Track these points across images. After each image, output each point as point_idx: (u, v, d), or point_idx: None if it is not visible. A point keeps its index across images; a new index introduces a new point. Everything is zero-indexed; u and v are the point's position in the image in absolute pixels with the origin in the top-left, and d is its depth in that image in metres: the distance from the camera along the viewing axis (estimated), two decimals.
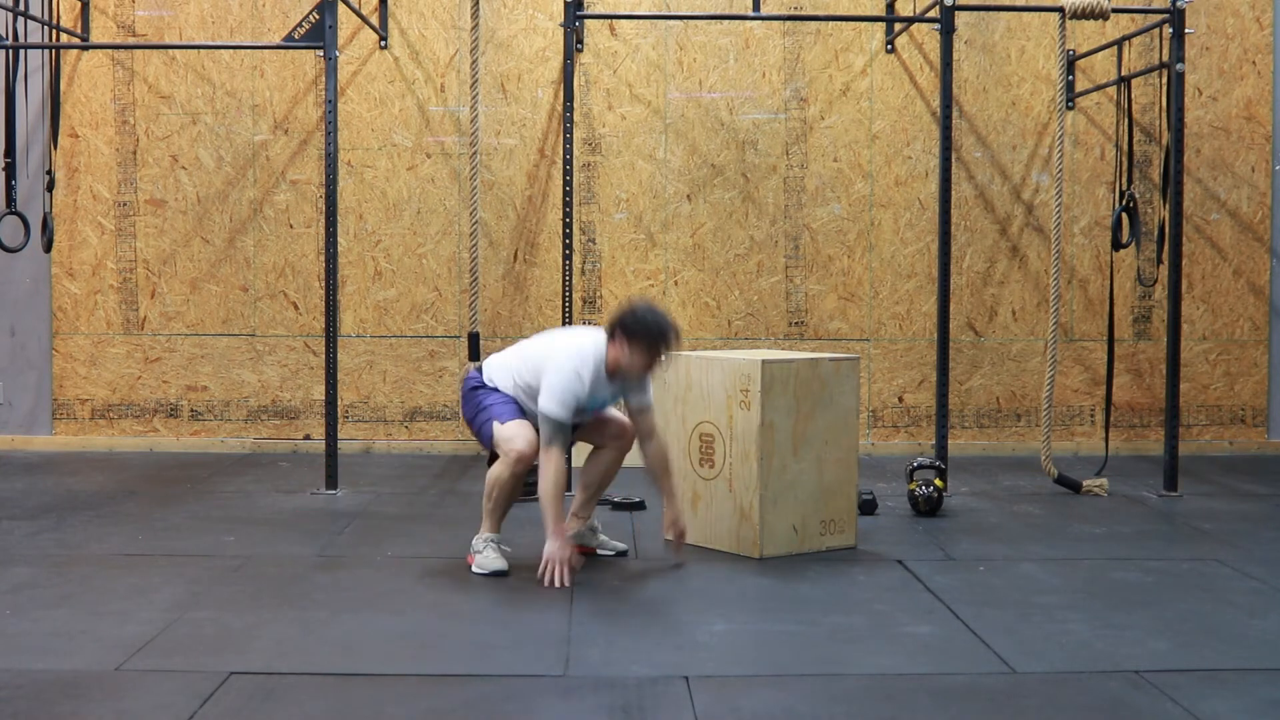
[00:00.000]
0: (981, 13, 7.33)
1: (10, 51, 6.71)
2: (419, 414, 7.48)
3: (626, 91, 7.43)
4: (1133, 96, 7.27)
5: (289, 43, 6.13)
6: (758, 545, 4.81)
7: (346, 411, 7.41)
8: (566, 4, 6.37)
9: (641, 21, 7.37)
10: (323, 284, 7.19)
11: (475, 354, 6.61)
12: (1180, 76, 6.22)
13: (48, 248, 6.93)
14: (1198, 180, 7.52)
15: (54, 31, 7.12)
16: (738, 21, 7.38)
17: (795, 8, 7.42)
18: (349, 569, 4.66)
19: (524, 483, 5.61)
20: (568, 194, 6.37)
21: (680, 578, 4.60)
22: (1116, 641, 3.82)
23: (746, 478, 4.84)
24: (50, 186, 6.91)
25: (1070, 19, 6.17)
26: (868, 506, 5.60)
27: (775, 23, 7.38)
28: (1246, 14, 7.52)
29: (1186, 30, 6.25)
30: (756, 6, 6.71)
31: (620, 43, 7.43)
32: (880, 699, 3.33)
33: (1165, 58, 6.36)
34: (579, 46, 7.26)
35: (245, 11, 7.40)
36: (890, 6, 7.41)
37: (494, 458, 4.61)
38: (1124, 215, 6.70)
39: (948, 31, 6.22)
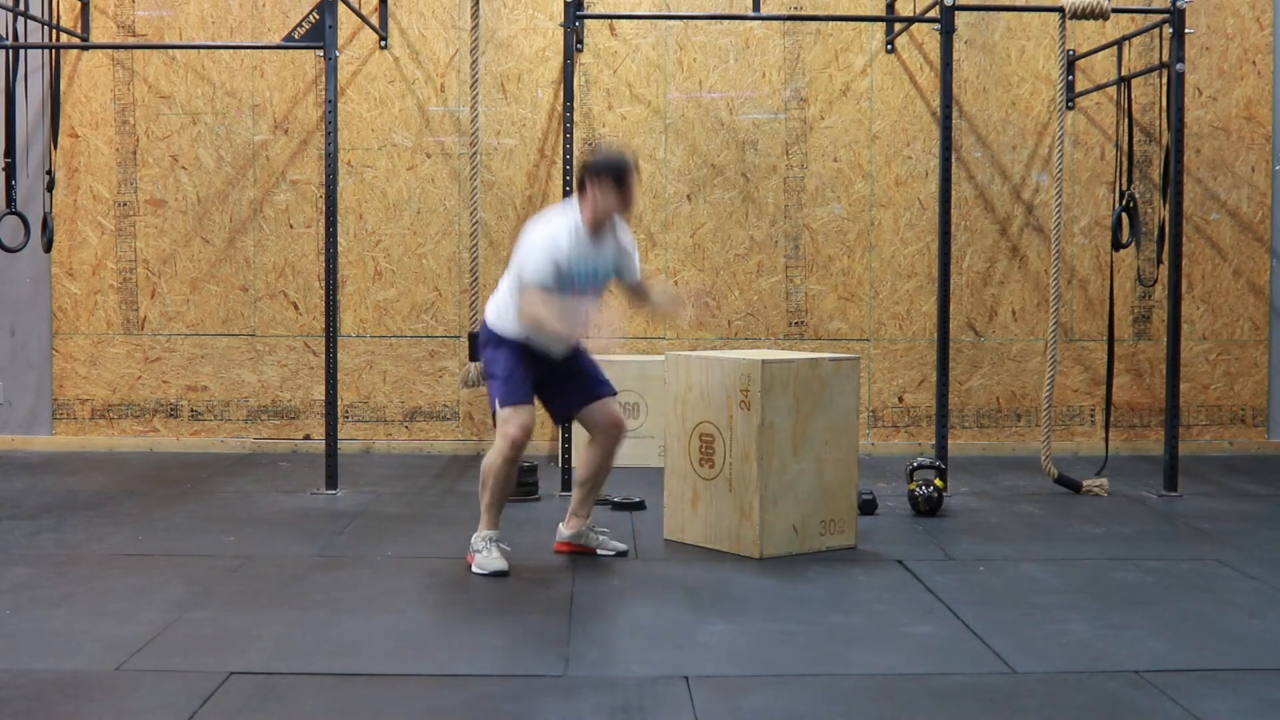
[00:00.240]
0: (981, 13, 7.33)
1: (10, 51, 6.71)
2: (419, 414, 7.48)
3: (626, 91, 7.43)
4: (1133, 96, 7.27)
5: (289, 43, 6.13)
6: (758, 545, 4.81)
7: (346, 411, 7.41)
8: (566, 4, 6.37)
9: (641, 21, 7.37)
10: (323, 284, 7.18)
11: (475, 354, 6.60)
12: (1180, 76, 6.22)
13: (48, 248, 6.93)
14: (1198, 180, 7.52)
15: (54, 31, 7.12)
16: (738, 21, 7.37)
17: (795, 8, 7.42)
18: (349, 569, 4.66)
19: (521, 483, 5.63)
20: (568, 194, 6.36)
21: (680, 578, 4.60)
22: (1116, 641, 3.82)
23: (746, 478, 4.84)
24: (50, 186, 6.91)
25: (1070, 19, 6.17)
26: (868, 506, 5.60)
27: (775, 23, 7.38)
28: (1246, 14, 7.52)
29: (1186, 30, 6.25)
30: (756, 6, 6.71)
31: (620, 43, 7.43)
32: (880, 699, 3.33)
33: (1165, 58, 6.36)
34: (579, 46, 7.26)
35: (245, 11, 7.40)
36: (890, 6, 7.41)
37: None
38: (1124, 215, 6.70)
39: (948, 31, 6.22)
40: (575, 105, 6.72)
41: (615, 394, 4.83)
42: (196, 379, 7.48)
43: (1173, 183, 6.26)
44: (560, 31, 7.13)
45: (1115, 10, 6.53)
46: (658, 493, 5.48)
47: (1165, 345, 6.61)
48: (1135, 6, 7.24)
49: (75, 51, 7.39)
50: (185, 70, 7.42)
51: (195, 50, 7.37)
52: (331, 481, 6.16)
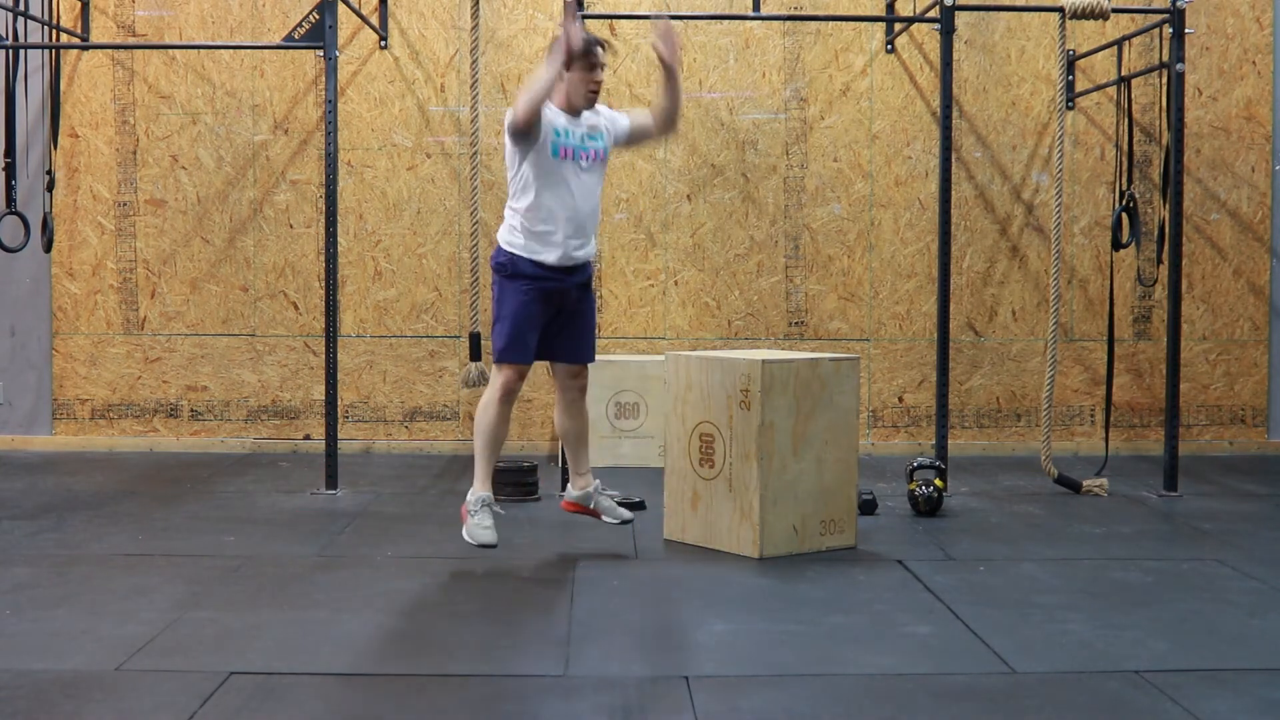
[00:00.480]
0: (981, 13, 7.33)
1: (10, 51, 6.71)
2: (419, 414, 7.48)
3: (626, 91, 7.43)
4: (1133, 96, 7.27)
5: (289, 43, 6.13)
6: (758, 545, 4.81)
7: (346, 411, 7.41)
8: (566, 4, 6.36)
9: (641, 21, 7.36)
10: (323, 284, 7.18)
11: (476, 354, 6.61)
12: (1180, 76, 6.22)
13: (48, 248, 6.93)
14: (1198, 180, 7.52)
15: (54, 31, 7.12)
16: (738, 21, 7.37)
17: (795, 8, 7.42)
18: (349, 569, 4.66)
19: (521, 483, 5.65)
20: None
21: (680, 578, 4.60)
22: (1116, 641, 3.82)
23: (746, 478, 4.84)
24: (50, 186, 6.91)
25: (1070, 19, 6.17)
26: (868, 506, 5.60)
27: (775, 23, 7.38)
28: (1246, 14, 7.52)
29: (1186, 30, 6.25)
30: (756, 6, 6.71)
31: (620, 43, 7.42)
32: (880, 699, 3.33)
33: (1165, 58, 6.36)
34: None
35: (245, 11, 7.40)
36: (890, 6, 7.41)
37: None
38: (1124, 215, 6.70)
39: (948, 31, 6.22)
40: None
41: (592, 360, 4.93)
42: (196, 379, 7.48)
43: (1173, 183, 6.26)
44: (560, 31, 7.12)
45: (1115, 10, 6.53)
46: (658, 493, 5.48)
47: (1165, 345, 6.61)
48: (1135, 6, 7.24)
49: (75, 51, 7.39)
50: (185, 70, 7.42)
51: (195, 50, 7.37)
52: (331, 481, 6.16)
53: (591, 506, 4.93)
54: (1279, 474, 6.98)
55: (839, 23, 7.37)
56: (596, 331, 4.95)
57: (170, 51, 7.39)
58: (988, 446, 7.53)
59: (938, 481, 5.73)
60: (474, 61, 6.58)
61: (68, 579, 4.47)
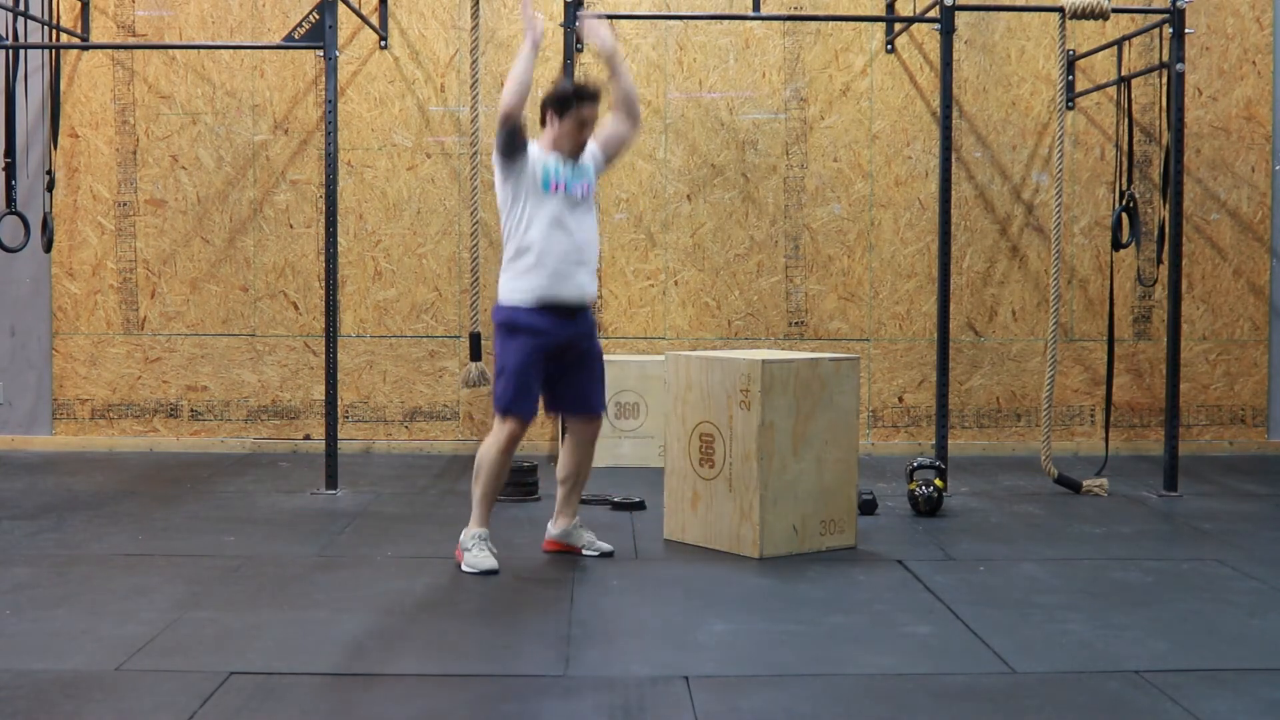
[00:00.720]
0: (981, 13, 7.33)
1: (10, 51, 6.71)
2: (419, 414, 7.48)
3: None
4: (1133, 96, 7.27)
5: (289, 43, 6.13)
6: (758, 545, 4.81)
7: (346, 411, 7.41)
8: (566, 4, 6.37)
9: (641, 21, 7.37)
10: (323, 284, 7.18)
11: (476, 354, 6.61)
12: (1180, 76, 6.22)
13: (48, 248, 6.93)
14: (1198, 180, 7.52)
15: (54, 31, 7.12)
16: (738, 21, 7.37)
17: (795, 8, 7.42)
18: (349, 569, 4.66)
19: (521, 483, 5.63)
20: None
21: (680, 578, 4.60)
22: (1116, 641, 3.82)
23: (746, 478, 4.84)
24: (50, 186, 6.91)
25: (1070, 19, 6.17)
26: (868, 506, 5.60)
27: (775, 23, 7.38)
28: (1246, 14, 7.52)
29: (1186, 30, 6.25)
30: (756, 6, 6.71)
31: (620, 43, 7.42)
32: (880, 699, 3.33)
33: (1165, 58, 6.36)
34: (579, 46, 7.26)
35: (245, 11, 7.40)
36: (890, 6, 7.41)
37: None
38: (1124, 215, 6.70)
39: (948, 31, 6.22)
40: None
41: (604, 410, 4.87)
42: (196, 379, 7.48)
43: (1173, 183, 6.26)
44: (560, 31, 7.13)
45: (1115, 10, 6.53)
46: (658, 493, 5.48)
47: (1165, 345, 6.61)
48: (1135, 6, 7.24)
49: (75, 51, 7.39)
50: (185, 70, 7.42)
51: (195, 50, 7.37)
52: (331, 481, 6.16)
53: (570, 542, 4.90)
54: (1279, 474, 6.98)
55: (839, 23, 7.37)
56: (605, 379, 4.90)
57: (170, 51, 7.39)
58: (988, 446, 7.53)
59: (938, 481, 5.73)
60: (474, 61, 6.58)
61: (68, 579, 4.47)
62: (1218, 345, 7.59)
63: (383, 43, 7.39)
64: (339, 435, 6.24)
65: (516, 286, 4.64)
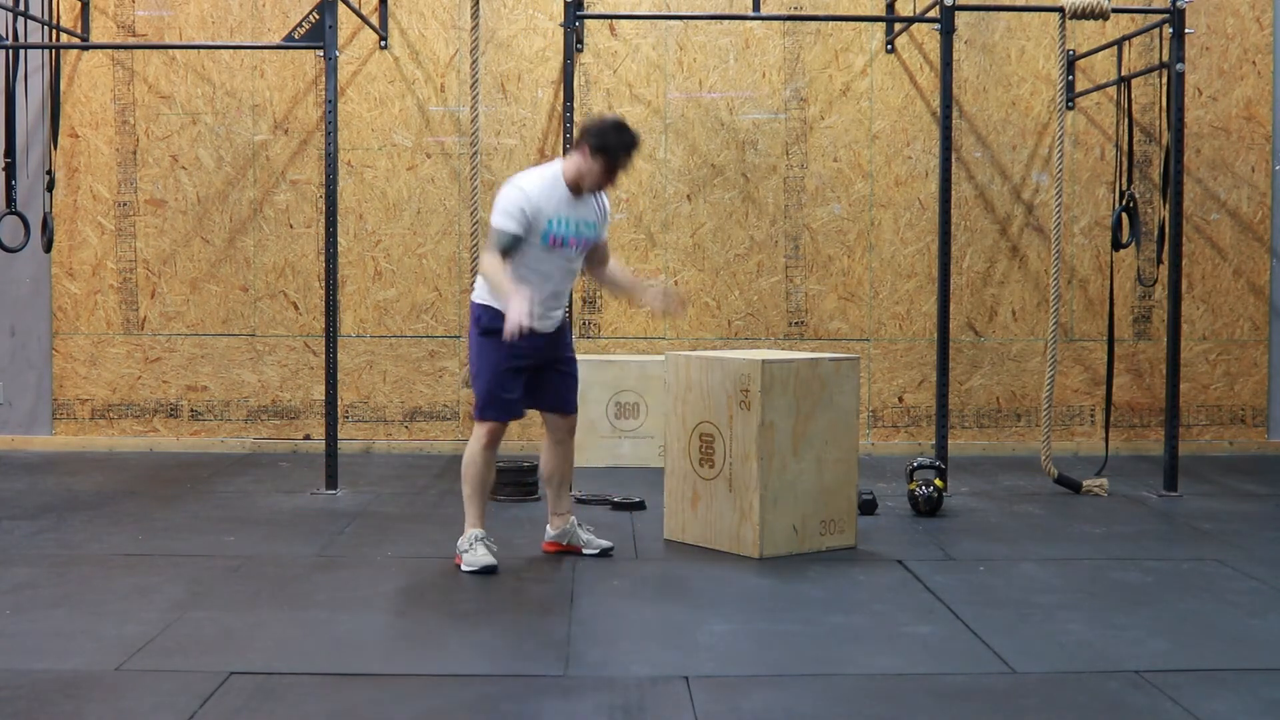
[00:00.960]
0: (981, 13, 7.33)
1: (10, 51, 6.71)
2: (419, 414, 7.48)
3: (626, 91, 7.43)
4: (1133, 96, 7.27)
5: (289, 43, 6.13)
6: (758, 545, 4.81)
7: (346, 411, 7.41)
8: (566, 4, 6.37)
9: (641, 21, 7.37)
10: (323, 284, 7.18)
11: None
12: (1180, 76, 6.22)
13: (48, 248, 6.93)
14: (1198, 180, 7.52)
15: (54, 31, 7.12)
16: (738, 21, 7.37)
17: (795, 8, 7.42)
18: (349, 569, 4.66)
19: (521, 483, 5.63)
20: None
21: (680, 578, 4.60)
22: (1116, 641, 3.82)
23: (746, 478, 4.84)
24: (50, 186, 6.91)
25: (1070, 19, 6.17)
26: (868, 506, 5.60)
27: (775, 23, 7.38)
28: (1246, 14, 7.52)
29: (1186, 30, 6.25)
30: (756, 6, 6.71)
31: (620, 43, 7.43)
32: (880, 699, 3.33)
33: (1165, 58, 6.36)
34: (579, 46, 7.26)
35: (245, 11, 7.40)
36: (890, 6, 7.41)
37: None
38: (1124, 215, 6.70)
39: (948, 31, 6.22)
40: (575, 105, 6.72)
41: (574, 411, 4.86)
42: (196, 379, 7.48)
43: (1173, 183, 6.26)
44: (560, 31, 7.13)
45: (1115, 10, 6.53)
46: (658, 493, 5.48)
47: (1165, 345, 6.61)
48: (1135, 6, 7.24)
49: (75, 51, 7.39)
50: (185, 70, 7.42)
51: (195, 50, 7.37)
52: (331, 481, 6.16)
53: (570, 543, 4.90)
54: (1279, 474, 6.98)
55: (839, 23, 7.37)
56: (579, 379, 4.90)
57: (170, 51, 7.39)
58: (988, 446, 7.53)
59: (938, 481, 5.73)
60: (474, 61, 6.58)
61: (68, 579, 4.47)
62: (1218, 345, 7.59)
63: (383, 43, 7.39)
64: (339, 435, 6.24)
65: (494, 300, 4.63)
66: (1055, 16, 6.60)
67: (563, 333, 4.80)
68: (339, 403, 6.35)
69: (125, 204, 7.45)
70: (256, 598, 4.26)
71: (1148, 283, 7.32)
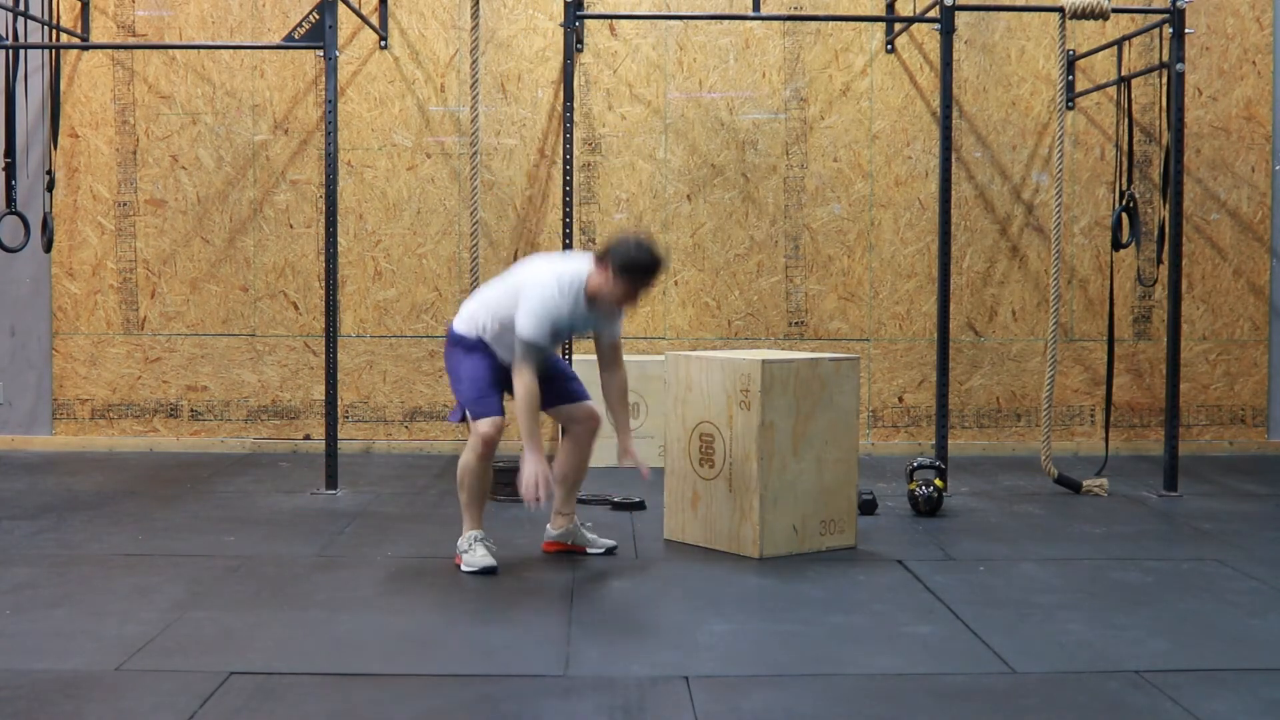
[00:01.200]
0: (981, 13, 7.33)
1: (10, 51, 6.71)
2: (419, 414, 7.48)
3: (626, 91, 7.43)
4: (1133, 96, 7.27)
5: (289, 43, 6.13)
6: (758, 545, 4.81)
7: (346, 411, 7.41)
8: (566, 4, 6.37)
9: (641, 21, 7.37)
10: (323, 284, 7.18)
11: None
12: (1180, 76, 6.22)
13: (48, 248, 6.93)
14: (1198, 180, 7.52)
15: (54, 31, 7.12)
16: (738, 21, 7.38)
17: (795, 8, 7.42)
18: (349, 569, 4.66)
19: (507, 484, 5.61)
20: (568, 194, 6.37)
21: (680, 578, 4.60)
22: (1116, 641, 3.82)
23: (746, 478, 4.84)
24: (50, 186, 6.91)
25: (1070, 19, 6.17)
26: (868, 506, 5.60)
27: (775, 23, 7.38)
28: (1246, 14, 7.52)
29: (1186, 30, 6.25)
30: (756, 6, 6.71)
31: (620, 43, 7.43)
32: (880, 699, 3.33)
33: (1165, 58, 6.36)
34: (579, 46, 7.26)
35: (245, 11, 7.40)
36: (890, 6, 7.41)
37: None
38: (1124, 215, 6.70)
39: (948, 31, 6.22)
40: (575, 105, 6.73)
41: (589, 399, 4.82)
42: (196, 379, 7.48)
43: (1173, 183, 6.26)
44: (560, 31, 7.13)
45: (1115, 10, 6.53)
46: (658, 493, 5.48)
47: (1165, 345, 6.61)
48: (1135, 6, 7.24)
49: (75, 51, 7.39)
50: (185, 70, 7.42)
51: (195, 50, 7.37)
52: (331, 481, 6.16)
53: (574, 543, 4.90)
54: (1279, 474, 6.98)
55: (839, 23, 7.37)
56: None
57: (170, 51, 7.39)
58: (988, 446, 7.53)
59: (938, 481, 5.73)
60: (474, 61, 6.58)
61: (68, 579, 4.47)
62: (1218, 345, 7.59)
63: (383, 43, 7.39)
64: (339, 435, 6.24)
65: (483, 335, 4.64)
66: (1055, 16, 6.60)
67: (554, 360, 4.81)
68: (339, 403, 6.36)
69: (125, 204, 7.45)
70: (256, 598, 4.26)
71: (1148, 283, 7.32)
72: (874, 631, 3.93)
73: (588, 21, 7.23)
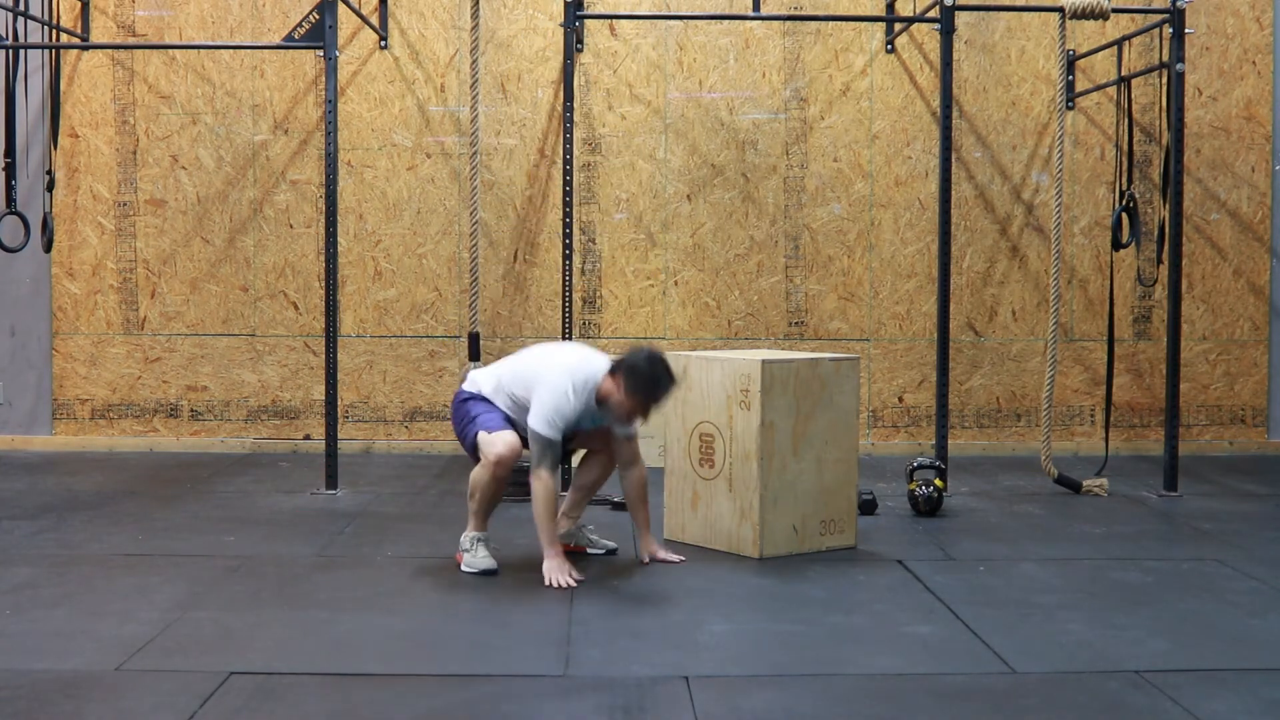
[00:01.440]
0: (981, 13, 7.33)
1: (10, 51, 6.71)
2: (419, 414, 7.48)
3: (626, 91, 7.43)
4: (1133, 96, 7.27)
5: (289, 43, 6.13)
6: (758, 545, 4.81)
7: (346, 411, 7.41)
8: (566, 4, 6.37)
9: (641, 21, 7.37)
10: (323, 284, 7.19)
11: (475, 354, 6.61)
12: (1180, 76, 6.22)
13: (48, 248, 6.93)
14: (1198, 180, 7.52)
15: (54, 31, 7.12)
16: (738, 21, 7.38)
17: (795, 8, 7.42)
18: (349, 569, 4.66)
19: (511, 484, 5.60)
20: (568, 194, 6.37)
21: (680, 578, 4.60)
22: (1116, 641, 3.82)
23: (746, 478, 4.84)
24: (50, 186, 6.91)
25: (1070, 19, 6.17)
26: (868, 506, 5.60)
27: (775, 23, 7.38)
28: (1246, 14, 7.52)
29: (1186, 30, 6.25)
30: (756, 6, 6.71)
31: (620, 43, 7.43)
32: (880, 699, 3.33)
33: (1165, 58, 6.36)
34: (579, 46, 7.26)
35: (245, 11, 7.40)
36: (890, 6, 7.41)
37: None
38: (1124, 215, 6.70)
39: (948, 31, 6.22)
40: (575, 105, 6.73)
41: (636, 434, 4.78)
42: (196, 379, 7.48)
43: (1173, 183, 6.26)
44: (560, 31, 7.13)
45: (1115, 10, 6.53)
46: (658, 493, 5.47)
47: (1165, 345, 6.61)
48: (1135, 6, 7.24)
49: (75, 51, 7.39)
50: (185, 70, 7.42)
51: (195, 50, 7.38)
52: (331, 481, 6.16)
53: (575, 544, 4.90)
54: (1279, 474, 6.98)
55: (839, 23, 7.37)
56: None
57: (170, 51, 7.39)
58: (988, 446, 7.53)
59: (938, 481, 5.73)
60: (474, 61, 6.57)
61: (68, 579, 4.47)
62: (1218, 345, 7.59)
63: (383, 43, 7.39)
64: (339, 435, 6.24)
65: (494, 400, 4.66)
66: (1055, 16, 6.60)
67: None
68: (339, 403, 6.36)
69: (125, 204, 7.45)
70: (256, 598, 4.26)
71: (1148, 283, 7.32)
72: (874, 631, 3.93)
73: (588, 21, 7.23)
